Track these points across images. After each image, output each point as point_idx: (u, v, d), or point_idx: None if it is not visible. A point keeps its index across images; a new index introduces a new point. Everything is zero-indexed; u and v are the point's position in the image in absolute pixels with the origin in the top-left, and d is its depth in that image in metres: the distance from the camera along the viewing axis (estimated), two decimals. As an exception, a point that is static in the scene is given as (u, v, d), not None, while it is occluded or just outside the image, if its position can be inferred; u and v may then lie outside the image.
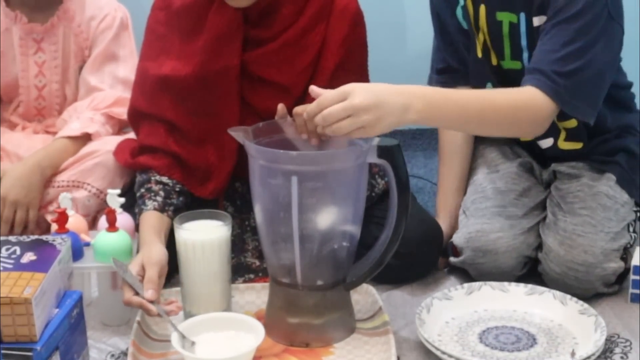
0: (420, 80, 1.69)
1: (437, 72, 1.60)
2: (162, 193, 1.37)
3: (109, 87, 1.62)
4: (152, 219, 1.32)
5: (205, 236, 1.24)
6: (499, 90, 1.36)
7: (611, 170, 1.45)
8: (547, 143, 1.50)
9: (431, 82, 1.60)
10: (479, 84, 1.52)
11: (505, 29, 1.44)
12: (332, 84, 1.31)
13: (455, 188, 1.55)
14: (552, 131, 1.45)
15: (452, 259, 1.45)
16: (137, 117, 1.43)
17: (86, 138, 1.55)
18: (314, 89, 1.16)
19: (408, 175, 1.19)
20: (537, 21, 1.43)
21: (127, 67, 1.62)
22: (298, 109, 1.20)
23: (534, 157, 1.55)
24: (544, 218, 1.48)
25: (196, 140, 1.39)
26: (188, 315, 1.25)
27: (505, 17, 1.43)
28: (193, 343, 1.17)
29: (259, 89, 1.37)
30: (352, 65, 1.41)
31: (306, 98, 1.32)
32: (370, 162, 1.19)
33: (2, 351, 1.06)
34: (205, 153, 1.40)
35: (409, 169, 1.23)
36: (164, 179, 1.39)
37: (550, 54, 1.32)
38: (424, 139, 2.24)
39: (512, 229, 1.41)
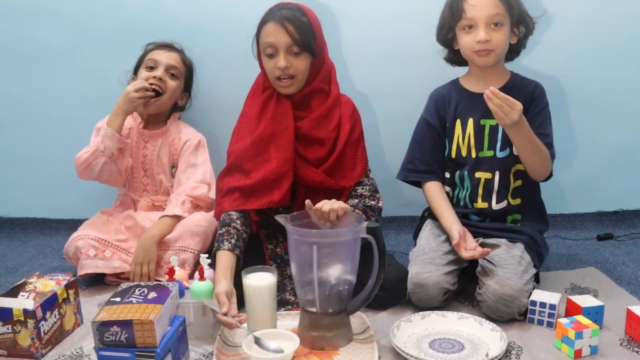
0: (396, 184, 2.05)
1: (408, 171, 1.98)
2: (235, 236, 1.72)
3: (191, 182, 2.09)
4: (224, 258, 1.66)
5: (261, 282, 1.57)
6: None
7: (521, 242, 1.81)
8: (503, 204, 1.87)
9: (399, 177, 1.99)
10: (452, 172, 1.92)
11: (487, 130, 1.85)
12: (347, 143, 1.82)
13: (453, 213, 1.87)
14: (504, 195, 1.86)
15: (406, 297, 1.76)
16: (224, 175, 1.87)
17: (178, 217, 2.01)
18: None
19: (385, 244, 1.51)
20: None
21: (202, 170, 2.09)
22: (317, 206, 1.57)
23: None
24: (465, 267, 1.81)
25: (264, 171, 1.80)
26: (250, 330, 1.52)
27: (487, 122, 1.85)
28: (257, 339, 1.45)
29: (305, 144, 1.83)
30: (355, 135, 1.87)
31: (334, 150, 1.83)
32: (362, 236, 1.49)
33: (136, 352, 1.35)
34: (270, 175, 1.79)
35: (386, 241, 1.65)
36: (238, 226, 1.75)
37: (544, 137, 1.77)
38: (396, 222, 2.54)
39: (437, 271, 1.73)
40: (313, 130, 1.84)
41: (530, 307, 1.68)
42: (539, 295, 1.70)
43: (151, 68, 2.12)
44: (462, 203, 1.94)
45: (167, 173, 2.18)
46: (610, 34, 2.36)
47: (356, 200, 1.84)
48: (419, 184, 2.01)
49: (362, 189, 1.87)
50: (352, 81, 2.35)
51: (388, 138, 2.20)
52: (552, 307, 1.66)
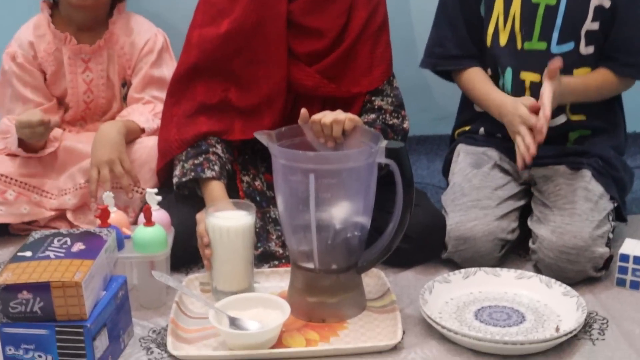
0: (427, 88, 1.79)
1: (437, 57, 1.69)
2: (218, 163, 1.54)
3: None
4: (217, 188, 1.48)
5: (231, 223, 1.36)
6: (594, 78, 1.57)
7: (587, 167, 1.57)
8: (560, 120, 1.61)
9: (424, 65, 1.72)
10: (496, 68, 1.63)
11: (541, 11, 1.55)
12: (361, 37, 1.56)
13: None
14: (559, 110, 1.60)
15: (442, 255, 1.56)
16: (190, 77, 1.57)
17: (142, 131, 1.67)
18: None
19: (412, 173, 1.30)
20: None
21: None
22: (315, 117, 1.34)
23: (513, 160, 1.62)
24: (526, 210, 1.59)
25: (251, 84, 1.56)
26: (215, 291, 1.37)
27: (542, 0, 1.55)
28: (234, 320, 1.27)
29: (300, 36, 1.56)
30: (374, 25, 1.59)
31: (340, 44, 1.56)
32: (379, 161, 1.29)
33: (56, 328, 1.16)
34: (259, 92, 1.56)
35: (414, 171, 1.34)
36: (219, 151, 1.55)
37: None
38: (428, 144, 2.30)
39: (485, 217, 1.52)
40: (308, 16, 1.56)
41: (619, 263, 1.47)
42: (632, 247, 1.49)
43: None
44: None
45: (117, 95, 1.85)
46: None
47: (373, 116, 1.61)
48: (451, 77, 1.75)
49: (383, 100, 1.63)
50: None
51: (420, 20, 1.88)
52: (652, 263, 1.50)
